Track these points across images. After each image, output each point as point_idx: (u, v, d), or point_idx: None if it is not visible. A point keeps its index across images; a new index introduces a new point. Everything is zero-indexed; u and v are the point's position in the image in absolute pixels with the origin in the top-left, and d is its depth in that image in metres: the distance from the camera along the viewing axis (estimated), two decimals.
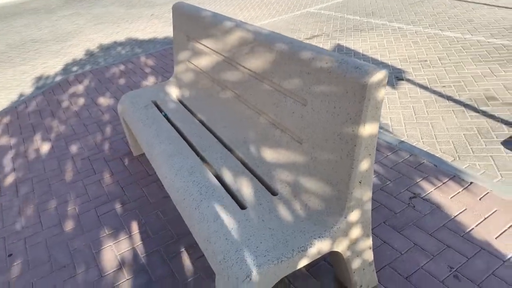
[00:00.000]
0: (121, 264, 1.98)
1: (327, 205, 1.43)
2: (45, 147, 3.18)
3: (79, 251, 2.10)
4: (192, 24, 2.44)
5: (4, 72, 5.60)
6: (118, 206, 2.40)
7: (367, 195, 1.40)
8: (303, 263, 1.35)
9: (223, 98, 2.18)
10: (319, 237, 1.36)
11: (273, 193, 1.63)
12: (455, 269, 1.71)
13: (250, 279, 1.26)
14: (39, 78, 5.13)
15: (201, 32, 2.33)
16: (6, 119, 3.80)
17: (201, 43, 2.36)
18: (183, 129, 2.19)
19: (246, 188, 1.64)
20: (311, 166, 1.51)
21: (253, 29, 1.86)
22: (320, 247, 1.36)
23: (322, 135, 1.42)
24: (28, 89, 4.80)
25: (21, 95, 4.64)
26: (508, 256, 1.73)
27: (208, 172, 1.78)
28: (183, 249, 2.02)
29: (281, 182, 1.63)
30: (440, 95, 3.36)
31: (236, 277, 1.27)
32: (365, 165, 1.32)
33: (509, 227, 1.88)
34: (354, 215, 1.40)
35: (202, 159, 1.94)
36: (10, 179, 2.83)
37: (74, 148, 3.11)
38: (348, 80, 1.27)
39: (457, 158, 2.56)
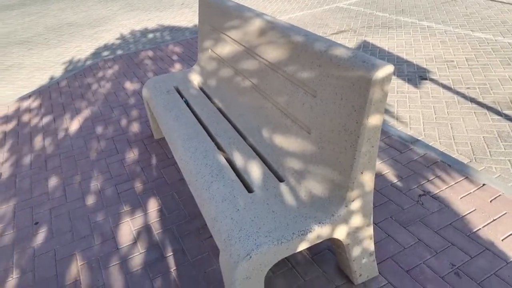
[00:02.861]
0: (136, 239, 2.11)
1: (330, 193, 1.49)
2: (74, 126, 3.36)
3: (98, 224, 2.24)
4: (216, 14, 2.52)
5: (40, 53, 5.87)
6: (137, 185, 2.53)
7: (369, 185, 1.44)
8: (302, 246, 1.42)
9: (241, 87, 2.26)
10: (319, 222, 1.42)
11: (280, 179, 1.70)
12: (457, 266, 1.74)
13: (251, 257, 1.33)
14: (71, 61, 5.35)
15: (224, 22, 2.40)
16: (39, 98, 4.01)
17: (223, 33, 2.44)
18: (201, 115, 2.28)
19: (255, 173, 1.72)
20: (318, 155, 1.57)
21: (272, 20, 1.91)
22: (320, 232, 1.42)
23: (329, 126, 1.48)
24: (61, 71, 5.03)
25: (54, 76, 4.87)
26: None
27: (221, 156, 1.86)
28: (194, 229, 2.12)
29: (289, 169, 1.69)
30: (463, 96, 3.32)
31: (238, 254, 1.35)
32: (367, 156, 1.37)
33: None
34: (355, 204, 1.45)
35: (216, 143, 2.03)
36: (40, 154, 3.01)
37: (100, 129, 3.27)
38: (355, 73, 1.31)
39: (474, 160, 2.54)
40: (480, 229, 1.91)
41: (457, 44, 4.38)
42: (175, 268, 1.90)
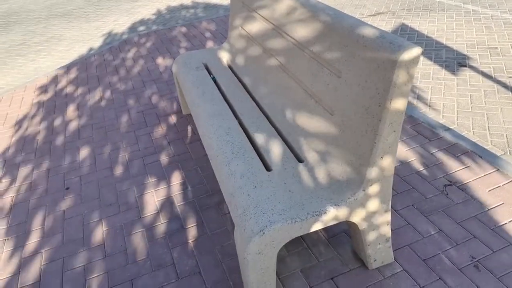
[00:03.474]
0: (159, 210, 2.18)
1: (349, 176, 1.48)
2: (106, 99, 3.47)
3: (124, 193, 2.33)
4: None
5: (79, 26, 6.04)
6: (163, 158, 2.60)
7: (389, 171, 1.42)
8: (316, 226, 1.42)
9: (268, 66, 2.24)
10: (335, 205, 1.42)
11: (300, 160, 1.70)
12: (477, 259, 1.69)
13: (264, 233, 1.36)
14: (109, 34, 5.48)
15: None
16: (76, 70, 4.15)
17: (254, 10, 2.42)
18: (227, 92, 2.30)
19: (274, 152, 1.72)
20: (339, 137, 1.55)
21: None
22: (335, 214, 1.42)
23: (352, 108, 1.45)
24: (98, 44, 5.16)
25: (91, 49, 5.01)
26: None
27: (243, 134, 1.87)
28: (215, 204, 2.17)
29: (309, 150, 1.69)
30: (504, 85, 3.15)
31: (252, 230, 1.38)
32: (388, 141, 1.34)
33: None
34: (373, 189, 1.43)
35: (239, 121, 2.04)
36: (73, 124, 3.14)
37: (131, 102, 3.36)
38: (381, 55, 1.27)
39: (508, 153, 2.43)
40: (506, 224, 1.84)
41: (503, 30, 4.13)
42: (193, 239, 1.96)
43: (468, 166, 2.22)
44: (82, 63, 4.31)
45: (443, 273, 1.65)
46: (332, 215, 1.42)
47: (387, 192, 1.47)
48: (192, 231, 2.01)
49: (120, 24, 5.92)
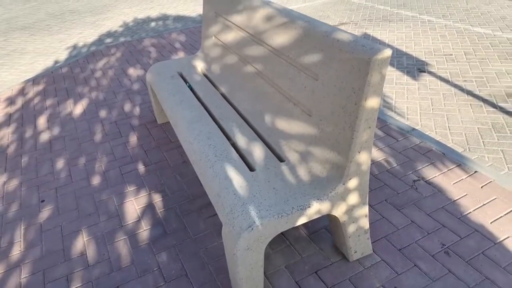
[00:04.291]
0: (140, 217, 2.18)
1: (329, 172, 1.57)
2: (77, 110, 3.42)
3: (103, 203, 2.32)
4: (221, 0, 2.57)
5: (42, 39, 5.90)
6: (140, 167, 2.60)
7: (366, 164, 1.52)
8: (301, 220, 1.50)
9: (244, 73, 2.32)
10: (317, 199, 1.50)
11: (281, 159, 1.78)
12: (447, 246, 1.82)
13: (252, 229, 1.41)
14: (74, 47, 5.39)
15: (229, 8, 2.46)
16: (43, 83, 4.06)
17: (228, 20, 2.50)
18: (204, 99, 2.35)
19: (256, 154, 1.79)
20: (318, 136, 1.64)
21: (277, 6, 1.98)
22: (318, 208, 1.50)
23: (329, 108, 1.55)
24: (63, 57, 5.07)
25: (57, 62, 4.91)
26: (500, 239, 1.83)
27: (224, 138, 1.93)
28: (196, 209, 2.20)
29: (289, 150, 1.77)
30: (460, 89, 3.40)
31: (240, 226, 1.43)
32: (364, 136, 1.44)
33: (505, 214, 1.96)
34: (352, 183, 1.53)
35: (219, 126, 2.10)
36: (45, 136, 3.07)
37: (103, 113, 3.33)
38: (355, 57, 1.38)
39: (467, 150, 2.62)
40: (470, 212, 2.00)
41: (456, 38, 4.44)
42: (177, 244, 1.98)
43: (433, 163, 2.38)
44: (48, 76, 4.22)
45: (417, 260, 1.76)
46: (316, 209, 1.50)
47: (365, 185, 1.57)
48: (175, 236, 2.03)
49: (85, 36, 5.84)
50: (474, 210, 2.01)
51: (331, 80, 1.53)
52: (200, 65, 2.82)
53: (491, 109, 3.07)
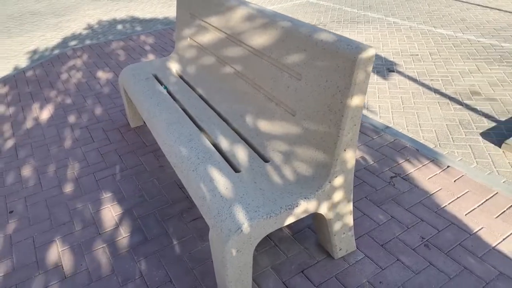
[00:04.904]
0: (118, 224, 2.11)
1: (315, 170, 1.57)
2: (44, 115, 3.27)
3: (78, 211, 2.22)
4: (196, 1, 2.54)
5: (2, 42, 5.61)
6: (115, 172, 2.52)
7: (351, 162, 1.54)
8: (289, 220, 1.49)
9: (223, 74, 2.30)
10: (305, 198, 1.50)
11: (265, 160, 1.77)
12: (426, 239, 1.88)
13: (241, 231, 1.40)
14: (36, 50, 5.16)
15: (205, 9, 2.43)
16: (5, 88, 3.86)
17: (204, 21, 2.47)
18: (182, 101, 2.31)
19: (240, 155, 1.78)
20: (302, 136, 1.65)
21: (256, 7, 1.97)
22: (305, 207, 1.51)
23: (314, 107, 1.56)
24: (25, 60, 4.84)
25: (18, 66, 4.68)
26: (475, 230, 1.90)
27: (206, 139, 1.90)
28: (177, 213, 2.15)
29: (274, 150, 1.77)
30: (428, 87, 3.52)
31: (229, 229, 1.41)
32: (350, 134, 1.46)
33: (478, 206, 2.05)
34: (337, 180, 1.55)
35: (200, 128, 2.06)
36: (9, 143, 2.92)
37: (72, 118, 3.20)
38: (340, 56, 1.40)
39: (438, 146, 2.72)
40: (446, 205, 2.07)
41: (421, 39, 4.61)
42: (159, 250, 1.93)
43: (408, 159, 2.45)
44: (9, 79, 4.02)
45: (399, 255, 1.80)
46: (303, 208, 1.50)
47: (350, 183, 1.59)
48: (157, 242, 1.98)
49: (48, 39, 5.61)
50: (449, 204, 2.08)
51: (315, 79, 1.54)
52: (175, 67, 2.77)
53: (458, 106, 3.21)
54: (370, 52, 1.33)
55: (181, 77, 2.69)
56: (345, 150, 1.49)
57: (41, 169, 2.61)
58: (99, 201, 2.28)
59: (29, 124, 3.16)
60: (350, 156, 1.52)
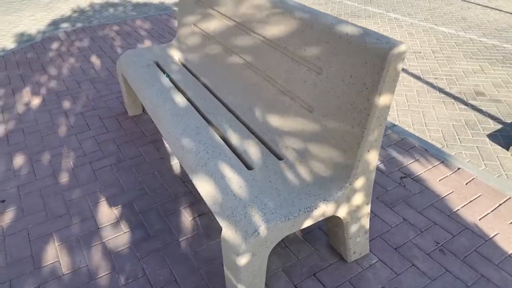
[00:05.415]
0: (118, 218, 2.01)
1: (334, 171, 1.49)
2: (36, 100, 3.11)
3: (75, 203, 2.11)
4: None
5: None
6: (114, 163, 2.40)
7: (373, 164, 1.46)
8: (307, 223, 1.42)
9: (230, 64, 2.19)
10: (324, 200, 1.43)
11: (279, 157, 1.68)
12: (441, 244, 1.82)
13: (258, 233, 1.31)
14: (26, 31, 4.94)
15: None
16: None
17: (211, 7, 2.35)
18: (186, 91, 2.20)
19: (252, 151, 1.69)
20: (320, 134, 1.56)
21: None
22: (324, 210, 1.43)
23: (335, 104, 1.47)
24: (14, 41, 4.63)
25: (7, 47, 4.48)
26: (490, 236, 1.86)
27: (214, 133, 1.80)
28: (180, 208, 2.06)
29: (287, 148, 1.68)
30: (432, 86, 3.47)
31: (245, 231, 1.33)
32: (375, 134, 1.38)
33: (491, 211, 2.00)
34: (358, 183, 1.47)
35: (207, 121, 1.96)
36: None
37: (67, 103, 3.06)
38: (368, 51, 1.31)
39: (445, 146, 2.67)
40: (459, 209, 2.02)
41: (423, 37, 4.56)
42: (163, 247, 1.84)
43: (418, 159, 2.40)
44: None
45: (414, 260, 1.75)
46: (322, 210, 1.43)
47: (371, 184, 1.52)
48: (160, 239, 1.89)
49: (38, 19, 5.38)
50: (462, 207, 2.03)
51: (337, 75, 1.45)
52: (176, 55, 2.65)
53: (463, 106, 3.16)
54: (401, 48, 1.25)
55: (184, 65, 2.57)
56: (368, 151, 1.41)
57: (35, 156, 2.47)
58: (97, 193, 2.17)
59: (20, 108, 3.00)
60: (373, 158, 1.44)
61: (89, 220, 1.99)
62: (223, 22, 2.25)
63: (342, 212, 1.51)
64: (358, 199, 1.52)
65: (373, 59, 1.30)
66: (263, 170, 1.58)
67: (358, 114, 1.38)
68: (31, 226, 1.97)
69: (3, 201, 2.13)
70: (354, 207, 1.53)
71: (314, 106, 1.59)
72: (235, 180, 1.51)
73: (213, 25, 2.35)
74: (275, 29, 1.79)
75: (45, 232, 1.93)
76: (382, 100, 1.31)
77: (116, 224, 1.97)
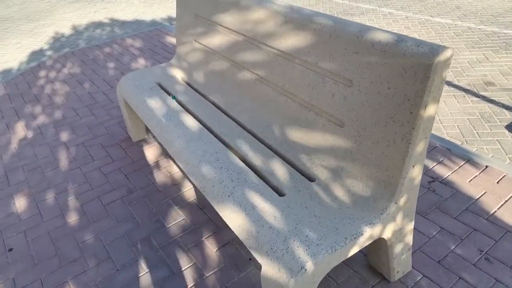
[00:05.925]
0: (137, 256, 1.87)
1: (375, 190, 1.38)
2: (33, 133, 2.96)
3: (88, 244, 1.97)
4: (203, 1, 2.29)
5: None
6: (124, 195, 2.26)
7: (418, 179, 1.35)
8: (354, 250, 1.30)
9: (240, 80, 2.07)
10: (370, 223, 1.31)
11: (310, 178, 1.56)
12: (485, 251, 1.71)
13: (305, 270, 1.19)
14: (14, 59, 4.78)
15: (215, 9, 2.19)
16: None
17: (213, 21, 2.23)
18: (197, 112, 2.07)
19: (279, 174, 1.57)
20: (354, 150, 1.44)
21: (283, 4, 1.75)
22: (371, 233, 1.31)
23: (371, 118, 1.36)
24: (1, 71, 4.47)
25: None
26: None
27: (235, 157, 1.68)
28: (203, 239, 1.93)
29: (318, 167, 1.56)
30: None
31: (290, 268, 1.20)
32: (420, 148, 1.27)
33: None
34: (403, 200, 1.36)
35: (224, 143, 1.84)
36: None
37: (65, 134, 2.91)
38: (408, 59, 1.20)
39: (465, 143, 2.58)
40: (496, 211, 1.92)
41: (420, 29, 4.48)
42: (190, 285, 1.70)
43: (442, 161, 2.29)
44: None
45: (461, 272, 1.64)
46: (368, 235, 1.31)
47: (415, 200, 1.41)
48: (185, 276, 1.75)
49: (24, 46, 5.22)
50: (498, 209, 1.93)
51: (371, 86, 1.34)
52: (179, 74, 2.53)
53: (474, 98, 3.07)
54: (448, 53, 1.14)
55: (188, 84, 2.44)
56: (413, 166, 1.29)
57: (38, 196, 2.32)
58: (111, 230, 2.03)
59: (17, 144, 2.85)
60: (418, 172, 1.33)
61: (106, 262, 1.85)
62: (228, 35, 2.13)
63: (387, 233, 1.39)
64: (403, 217, 1.40)
65: (415, 68, 1.19)
66: (296, 195, 1.45)
67: (401, 127, 1.26)
68: (44, 276, 1.82)
69: (10, 250, 1.98)
70: (399, 225, 1.42)
71: (345, 121, 1.47)
72: (268, 209, 1.39)
73: (216, 39, 2.23)
74: (292, 41, 1.68)
75: (60, 281, 1.79)
76: (428, 111, 1.20)
77: (135, 263, 1.83)
